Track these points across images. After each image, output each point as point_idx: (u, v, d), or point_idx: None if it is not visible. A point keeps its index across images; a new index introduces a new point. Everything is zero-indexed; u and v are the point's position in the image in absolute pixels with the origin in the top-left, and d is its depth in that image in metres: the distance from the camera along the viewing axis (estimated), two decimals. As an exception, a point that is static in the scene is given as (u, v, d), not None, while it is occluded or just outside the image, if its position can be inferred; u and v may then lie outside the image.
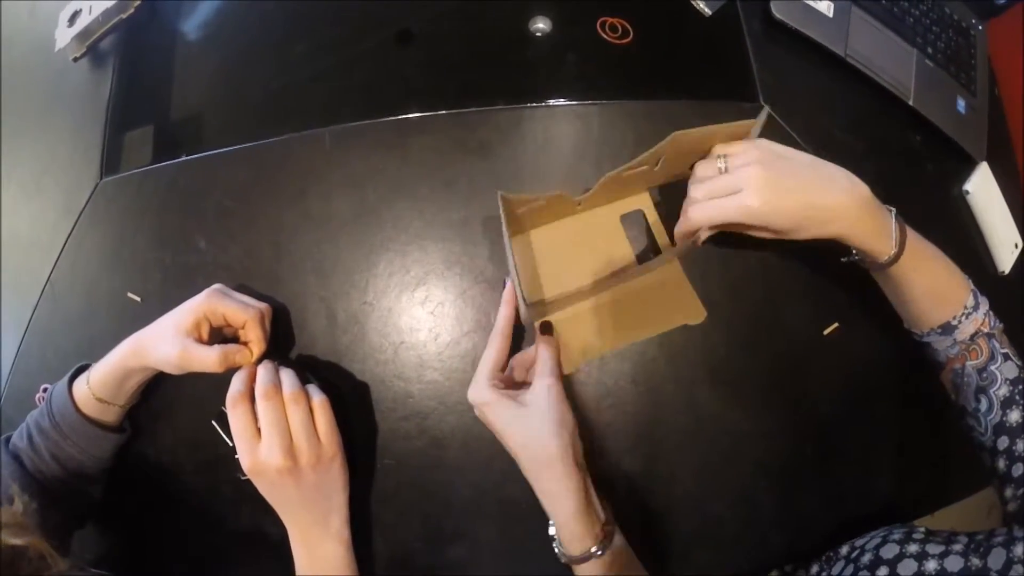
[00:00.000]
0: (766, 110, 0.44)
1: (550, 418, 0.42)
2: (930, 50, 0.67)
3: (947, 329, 0.48)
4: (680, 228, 0.46)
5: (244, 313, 0.47)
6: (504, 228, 0.45)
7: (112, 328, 0.55)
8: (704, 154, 0.46)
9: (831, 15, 0.62)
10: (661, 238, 0.53)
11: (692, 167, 0.47)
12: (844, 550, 0.48)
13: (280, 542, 0.47)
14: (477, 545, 0.52)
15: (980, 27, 0.74)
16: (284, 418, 0.43)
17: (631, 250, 0.53)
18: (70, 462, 0.48)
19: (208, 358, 0.45)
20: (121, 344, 0.48)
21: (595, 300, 0.52)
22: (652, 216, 0.53)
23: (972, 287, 0.49)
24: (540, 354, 0.46)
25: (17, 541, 0.34)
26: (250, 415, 0.43)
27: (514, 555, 0.52)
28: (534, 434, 0.43)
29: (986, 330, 0.48)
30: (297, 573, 0.47)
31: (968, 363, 0.48)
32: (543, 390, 0.43)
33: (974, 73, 0.70)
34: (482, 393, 0.44)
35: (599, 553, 0.42)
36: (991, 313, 0.49)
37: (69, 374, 0.50)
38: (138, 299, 0.55)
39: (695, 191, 0.44)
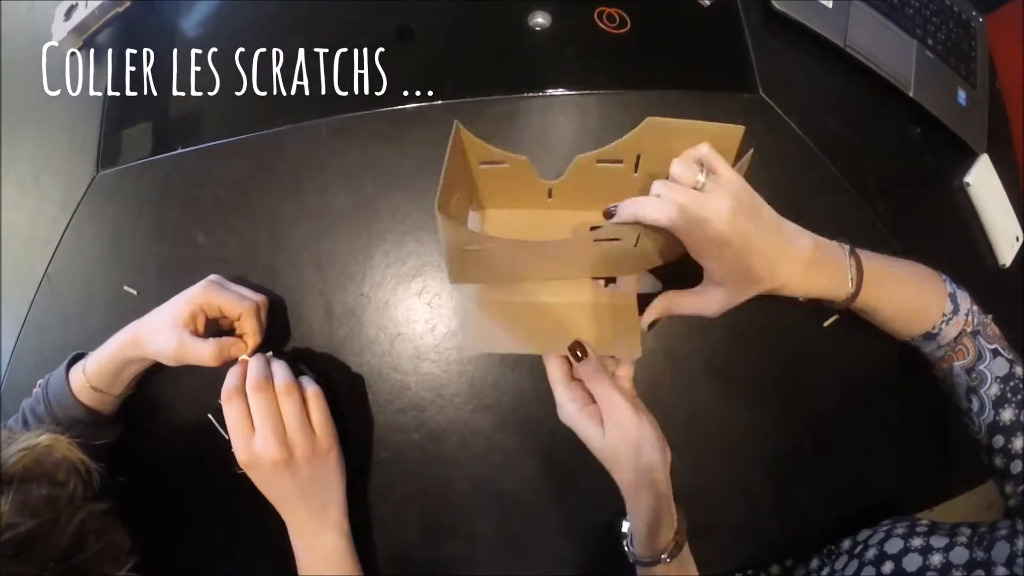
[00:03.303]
0: (742, 129, 0.42)
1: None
2: (930, 41, 0.66)
3: (928, 337, 0.48)
4: (625, 213, 0.41)
5: (239, 305, 0.47)
6: (447, 157, 0.42)
7: (109, 322, 0.54)
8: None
9: (830, 6, 0.62)
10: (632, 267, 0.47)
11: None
12: (846, 544, 0.48)
13: (279, 536, 0.47)
14: (475, 538, 0.52)
15: (980, 19, 0.73)
16: (277, 410, 0.43)
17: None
18: None
19: (204, 352, 0.45)
20: (119, 334, 0.48)
21: (536, 297, 0.47)
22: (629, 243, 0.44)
23: (950, 289, 0.48)
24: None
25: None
26: (244, 409, 0.43)
27: (512, 548, 0.52)
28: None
29: (970, 329, 0.47)
30: (299, 567, 0.47)
31: (955, 363, 0.48)
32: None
33: (974, 65, 0.70)
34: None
35: (667, 560, 0.42)
36: (974, 310, 0.48)
37: (66, 362, 0.50)
38: (135, 292, 0.55)
39: (659, 187, 0.40)
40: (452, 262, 0.45)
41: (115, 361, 0.47)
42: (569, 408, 0.43)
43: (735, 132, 0.42)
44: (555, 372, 0.44)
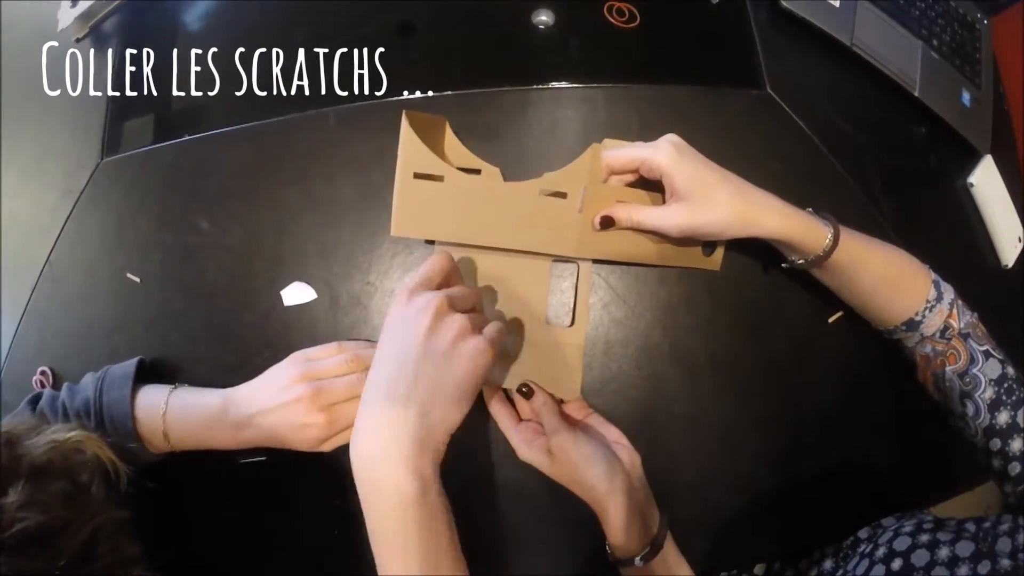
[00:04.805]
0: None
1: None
2: (935, 42, 0.67)
3: (912, 325, 0.48)
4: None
5: (340, 368, 0.46)
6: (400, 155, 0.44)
7: (111, 309, 0.54)
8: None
9: (838, 5, 0.62)
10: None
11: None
12: (862, 548, 0.48)
13: (280, 533, 0.46)
14: (474, 531, 0.51)
15: (985, 21, 0.74)
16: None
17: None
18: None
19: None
20: (230, 425, 0.45)
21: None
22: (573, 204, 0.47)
23: (934, 277, 0.48)
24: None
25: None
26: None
27: (512, 541, 0.52)
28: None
29: (956, 324, 0.47)
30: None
31: (947, 368, 0.48)
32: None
33: (979, 66, 0.70)
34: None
35: (640, 564, 0.44)
36: (959, 303, 0.48)
37: (131, 378, 0.45)
38: (138, 280, 0.55)
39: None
40: (401, 196, 0.46)
41: (219, 446, 0.46)
42: (522, 448, 0.46)
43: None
44: (504, 419, 0.48)
